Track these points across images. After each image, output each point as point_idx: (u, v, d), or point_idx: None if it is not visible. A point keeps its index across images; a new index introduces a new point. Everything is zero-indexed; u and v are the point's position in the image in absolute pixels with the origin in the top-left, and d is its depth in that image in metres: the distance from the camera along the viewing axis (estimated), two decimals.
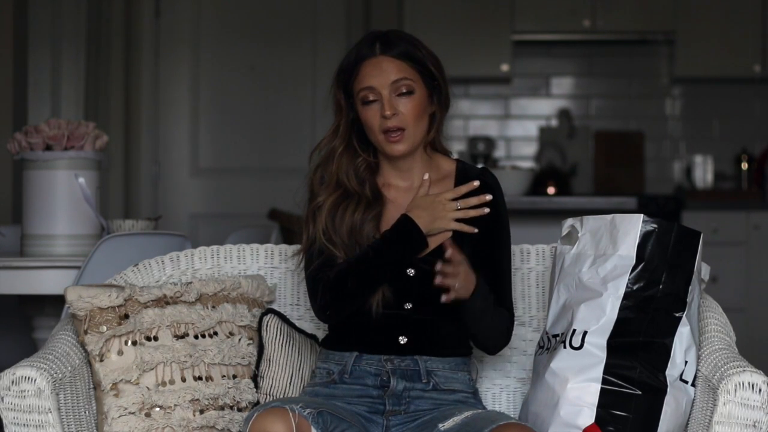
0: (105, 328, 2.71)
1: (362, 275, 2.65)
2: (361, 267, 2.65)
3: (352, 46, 2.76)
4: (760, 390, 2.46)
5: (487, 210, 2.65)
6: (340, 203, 2.71)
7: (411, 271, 2.68)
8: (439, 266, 2.56)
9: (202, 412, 2.73)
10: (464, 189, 2.68)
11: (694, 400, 2.62)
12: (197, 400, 2.73)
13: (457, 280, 2.56)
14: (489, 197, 2.67)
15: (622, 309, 2.60)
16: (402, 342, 2.68)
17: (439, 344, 2.71)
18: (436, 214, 2.66)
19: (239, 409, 2.78)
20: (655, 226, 2.63)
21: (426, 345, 2.69)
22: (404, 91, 2.67)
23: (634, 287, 2.60)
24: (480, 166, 2.89)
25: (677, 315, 2.61)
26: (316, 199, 2.73)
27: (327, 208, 2.70)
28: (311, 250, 2.71)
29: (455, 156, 2.87)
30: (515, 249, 2.96)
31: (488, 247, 2.72)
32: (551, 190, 6.49)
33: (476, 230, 2.66)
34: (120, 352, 2.71)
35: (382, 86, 2.66)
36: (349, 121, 2.75)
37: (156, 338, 2.74)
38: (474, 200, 2.67)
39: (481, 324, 2.66)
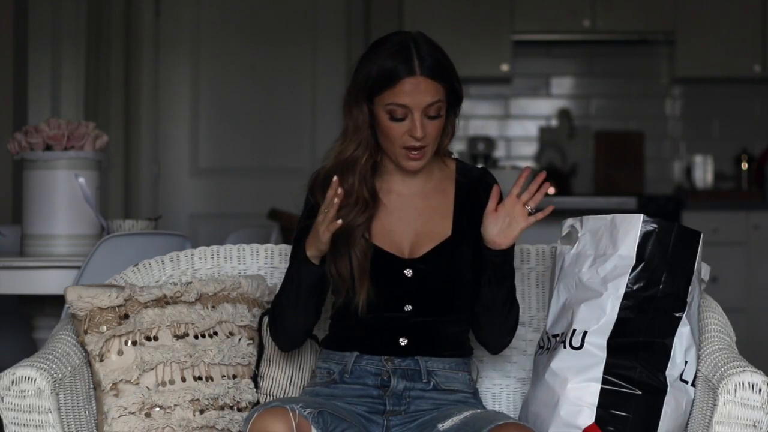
0: (105, 328, 2.71)
1: (287, 294, 2.68)
2: (285, 287, 2.68)
3: (381, 52, 2.64)
4: (760, 390, 2.46)
5: (551, 189, 2.62)
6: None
7: (409, 272, 2.68)
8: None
9: (202, 412, 2.73)
10: (523, 181, 2.63)
11: (694, 400, 2.62)
12: (197, 400, 2.73)
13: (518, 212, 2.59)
14: (544, 176, 2.62)
15: (622, 309, 2.60)
16: (402, 344, 2.68)
17: (440, 345, 2.70)
18: (510, 221, 2.62)
19: (239, 409, 2.78)
20: (655, 226, 2.63)
21: (426, 346, 2.69)
22: (434, 114, 2.64)
23: (634, 287, 2.60)
24: (479, 166, 2.89)
25: (677, 315, 2.61)
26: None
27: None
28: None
29: (455, 155, 2.86)
30: (515, 249, 2.96)
31: None
32: (551, 190, 6.49)
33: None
34: (120, 352, 2.71)
35: (416, 107, 2.61)
36: (372, 131, 2.68)
37: (156, 338, 2.74)
38: (534, 187, 2.62)
39: (502, 292, 2.66)
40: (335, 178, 2.54)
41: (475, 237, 2.68)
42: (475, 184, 2.76)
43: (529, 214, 2.60)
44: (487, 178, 2.76)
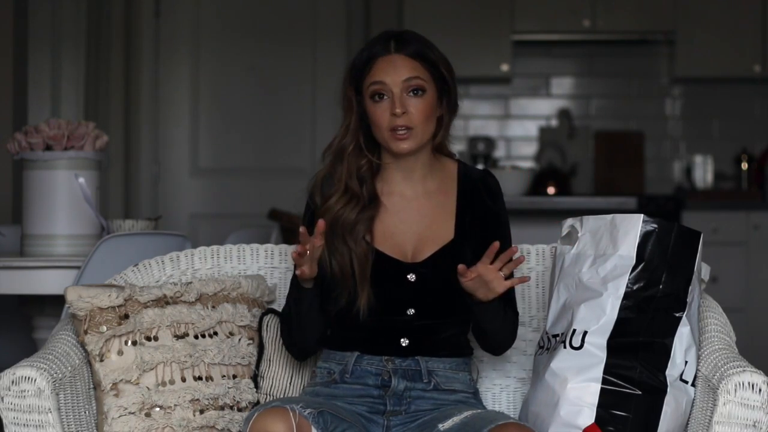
0: (105, 328, 2.71)
1: (290, 313, 2.70)
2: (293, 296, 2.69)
3: (365, 44, 2.74)
4: (760, 390, 2.46)
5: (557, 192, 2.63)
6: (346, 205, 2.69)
7: (412, 277, 2.67)
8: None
9: (202, 412, 2.73)
10: (493, 252, 2.55)
11: (694, 400, 2.62)
12: (197, 400, 2.73)
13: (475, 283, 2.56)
14: (517, 252, 2.58)
15: (622, 309, 2.60)
16: (404, 344, 2.68)
17: (441, 346, 2.71)
18: (489, 285, 2.59)
19: (239, 409, 2.78)
20: (655, 226, 2.63)
21: (427, 347, 2.69)
22: (415, 89, 2.65)
23: (634, 287, 2.60)
24: (481, 167, 2.88)
25: (677, 315, 2.61)
26: (327, 202, 2.70)
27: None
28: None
29: (456, 156, 2.86)
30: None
31: None
32: (551, 190, 6.49)
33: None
34: (120, 352, 2.71)
35: (394, 83, 2.65)
36: (359, 118, 2.72)
37: (156, 338, 2.74)
38: (506, 258, 2.57)
39: (494, 324, 2.66)
40: (320, 221, 2.56)
41: (476, 239, 2.68)
42: (476, 185, 2.76)
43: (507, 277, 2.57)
44: (488, 180, 2.76)
